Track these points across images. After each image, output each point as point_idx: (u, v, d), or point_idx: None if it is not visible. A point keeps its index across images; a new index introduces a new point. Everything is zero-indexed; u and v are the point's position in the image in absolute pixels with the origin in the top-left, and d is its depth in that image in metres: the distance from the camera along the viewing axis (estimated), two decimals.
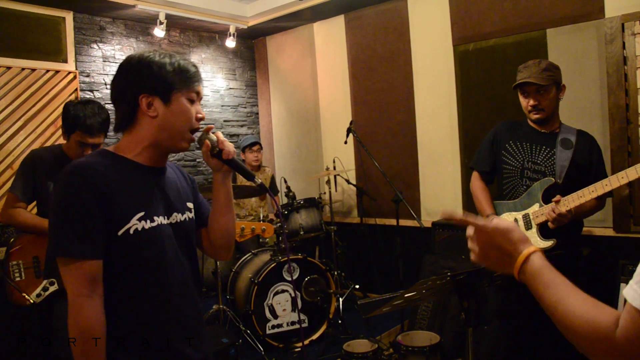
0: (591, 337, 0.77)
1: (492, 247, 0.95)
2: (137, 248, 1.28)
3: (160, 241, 1.33)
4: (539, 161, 2.30)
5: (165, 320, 1.34)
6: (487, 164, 2.51)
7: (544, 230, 2.20)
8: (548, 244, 2.16)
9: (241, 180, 4.33)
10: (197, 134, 1.42)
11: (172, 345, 1.34)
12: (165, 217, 1.36)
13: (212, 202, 1.53)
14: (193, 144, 1.42)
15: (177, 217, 1.41)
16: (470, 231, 0.99)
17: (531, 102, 2.27)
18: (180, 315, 1.37)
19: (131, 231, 1.27)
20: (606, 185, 2.02)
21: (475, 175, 2.56)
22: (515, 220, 2.28)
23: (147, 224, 1.30)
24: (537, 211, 2.22)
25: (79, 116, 2.25)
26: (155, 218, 1.33)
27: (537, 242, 2.19)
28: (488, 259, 0.97)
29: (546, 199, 2.20)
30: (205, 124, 1.43)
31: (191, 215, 1.47)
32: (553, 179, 2.22)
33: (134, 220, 1.28)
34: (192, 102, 1.37)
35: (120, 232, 1.26)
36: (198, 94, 1.39)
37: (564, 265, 2.31)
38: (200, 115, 1.39)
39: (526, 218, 2.25)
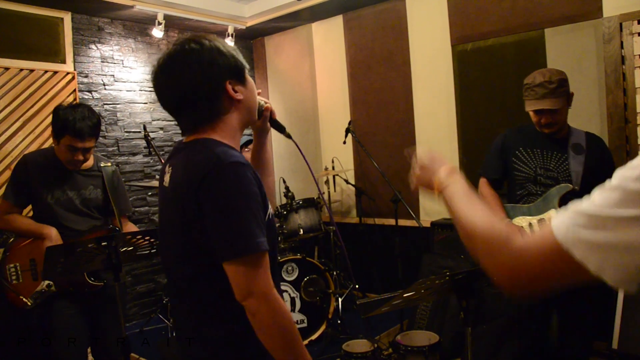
0: (489, 238, 0.81)
1: (427, 170, 1.12)
2: (273, 231, 1.30)
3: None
4: (551, 167, 2.28)
5: None
6: (496, 172, 2.50)
7: None
8: None
9: None
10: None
11: None
12: None
13: (258, 164, 1.56)
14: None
15: None
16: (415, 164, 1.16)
17: (544, 120, 2.25)
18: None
19: (270, 215, 1.28)
20: None
21: (483, 182, 2.55)
22: (530, 224, 2.27)
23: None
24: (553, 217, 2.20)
25: (67, 120, 2.20)
26: None
27: None
28: (421, 179, 1.13)
29: (562, 205, 2.19)
30: None
31: None
32: (571, 185, 2.20)
33: (269, 204, 1.29)
34: None
35: (266, 218, 1.24)
36: None
37: None
38: None
39: (542, 223, 2.25)
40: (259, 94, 1.43)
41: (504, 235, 0.79)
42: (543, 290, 0.76)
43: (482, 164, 2.59)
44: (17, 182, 2.34)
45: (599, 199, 0.69)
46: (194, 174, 1.17)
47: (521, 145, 2.38)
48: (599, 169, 2.23)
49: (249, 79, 1.35)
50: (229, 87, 1.25)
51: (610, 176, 2.10)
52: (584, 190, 2.19)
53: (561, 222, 0.73)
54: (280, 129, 1.56)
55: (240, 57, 1.32)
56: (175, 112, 1.29)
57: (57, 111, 2.26)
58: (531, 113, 2.31)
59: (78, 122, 2.20)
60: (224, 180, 1.14)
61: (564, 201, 2.20)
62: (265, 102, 1.48)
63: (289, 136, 1.57)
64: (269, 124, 1.52)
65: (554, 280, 0.74)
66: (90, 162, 2.47)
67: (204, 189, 1.14)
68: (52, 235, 2.26)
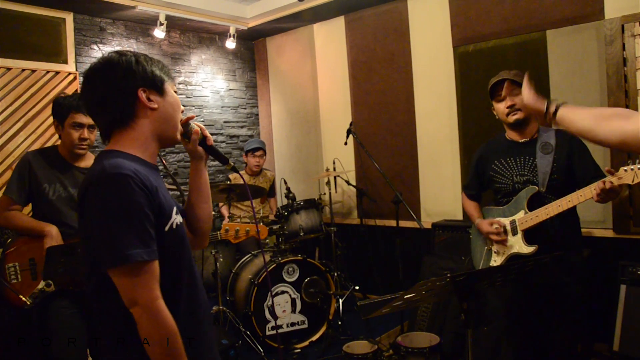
0: (612, 112, 1.32)
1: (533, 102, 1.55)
2: (178, 241, 1.30)
3: (185, 233, 1.36)
4: (525, 172, 2.34)
5: (201, 313, 1.36)
6: (472, 188, 2.64)
7: (528, 236, 2.26)
8: (530, 249, 2.23)
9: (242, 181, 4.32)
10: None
11: (206, 337, 1.36)
12: None
13: (192, 191, 1.54)
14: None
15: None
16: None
17: (508, 102, 2.32)
18: (206, 306, 1.41)
19: (174, 225, 1.28)
20: (569, 201, 2.08)
21: (463, 194, 2.71)
22: (505, 225, 2.36)
23: (180, 218, 1.33)
24: (522, 218, 2.28)
25: (67, 100, 2.33)
26: (178, 212, 1.35)
27: (521, 247, 2.27)
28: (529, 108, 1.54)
29: (531, 207, 2.25)
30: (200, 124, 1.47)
31: None
32: (536, 188, 2.26)
33: (173, 215, 1.29)
34: (175, 92, 1.41)
35: (166, 228, 1.25)
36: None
37: (564, 265, 2.28)
38: (182, 107, 1.43)
39: (513, 224, 2.32)
40: (191, 117, 1.46)
41: (626, 113, 1.23)
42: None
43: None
44: (20, 179, 2.35)
45: None
46: (82, 185, 1.23)
47: (496, 158, 2.45)
48: (569, 165, 2.27)
49: (172, 95, 1.37)
50: (142, 94, 1.29)
51: (584, 172, 2.29)
52: (551, 189, 2.24)
53: None
54: (221, 159, 1.52)
55: (164, 72, 1.37)
56: (94, 114, 1.34)
57: (55, 100, 2.38)
58: (496, 106, 2.39)
59: (77, 99, 2.33)
60: (101, 192, 1.17)
61: (531, 203, 2.26)
62: (197, 126, 1.48)
63: (234, 169, 1.55)
64: (199, 149, 1.49)
65: None
66: (90, 161, 2.48)
67: (86, 199, 1.20)
68: (53, 232, 2.26)
